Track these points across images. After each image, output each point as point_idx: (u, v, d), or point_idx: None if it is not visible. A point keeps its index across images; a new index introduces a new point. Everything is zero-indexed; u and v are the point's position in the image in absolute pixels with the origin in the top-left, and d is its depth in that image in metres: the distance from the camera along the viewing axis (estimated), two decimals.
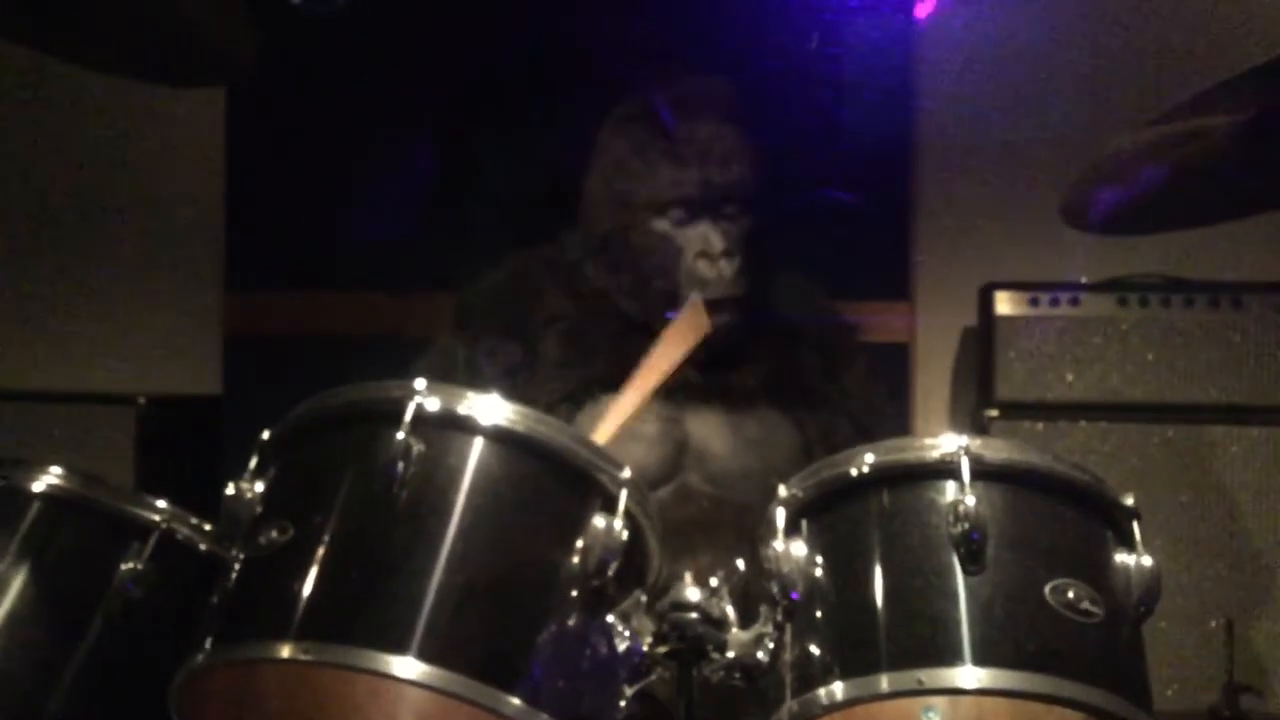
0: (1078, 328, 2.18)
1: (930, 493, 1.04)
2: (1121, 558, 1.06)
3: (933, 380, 2.50)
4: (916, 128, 2.46)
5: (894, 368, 2.41)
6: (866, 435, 1.76)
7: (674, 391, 1.70)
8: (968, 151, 2.48)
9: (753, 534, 1.62)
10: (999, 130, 2.45)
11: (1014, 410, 2.16)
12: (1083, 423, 2.14)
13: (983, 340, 2.23)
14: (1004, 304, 2.20)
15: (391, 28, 2.32)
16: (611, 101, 1.84)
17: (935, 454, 1.05)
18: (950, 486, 1.04)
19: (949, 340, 2.49)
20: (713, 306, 1.68)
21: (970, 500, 1.01)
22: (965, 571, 1.00)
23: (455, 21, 2.31)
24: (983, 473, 1.03)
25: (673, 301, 1.69)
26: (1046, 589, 0.99)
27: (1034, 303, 2.20)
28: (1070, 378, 2.18)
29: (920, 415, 2.49)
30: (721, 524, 1.64)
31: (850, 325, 1.93)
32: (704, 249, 1.69)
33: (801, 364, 1.79)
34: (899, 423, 2.33)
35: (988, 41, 2.45)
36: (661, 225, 1.71)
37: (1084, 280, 2.21)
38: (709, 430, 1.71)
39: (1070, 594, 1.00)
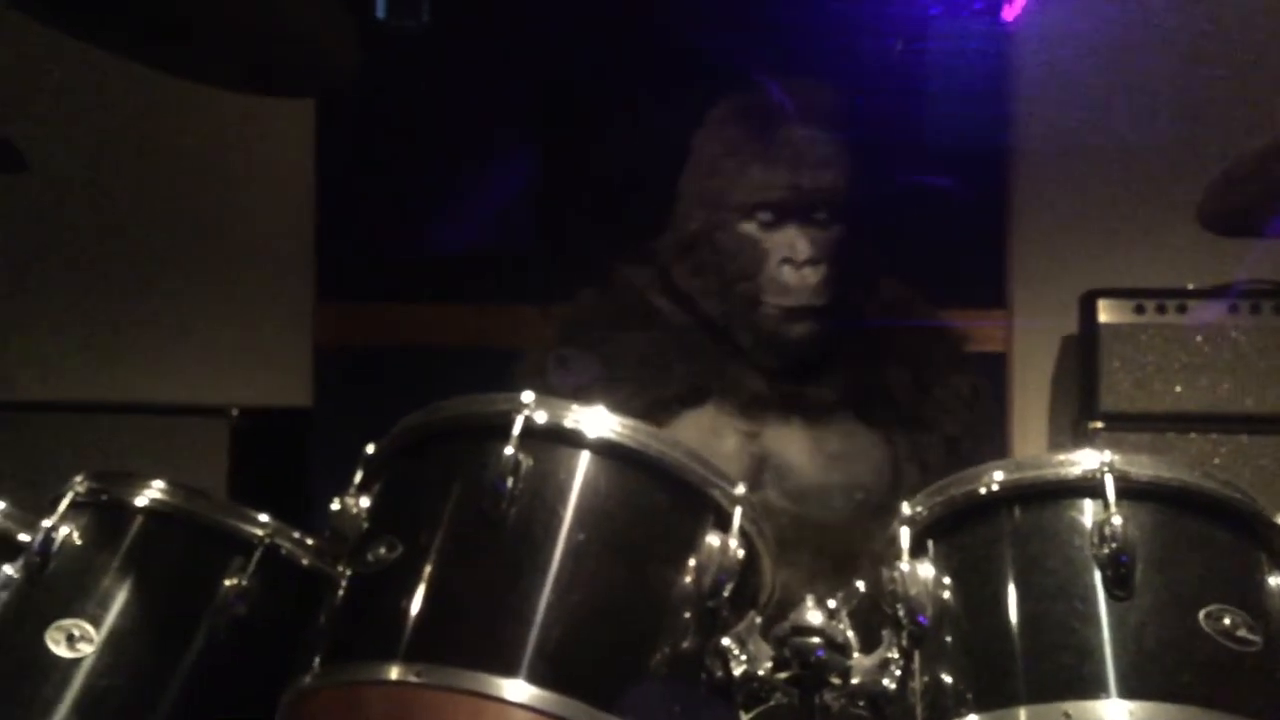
0: (1186, 335, 2.11)
1: (1071, 512, 0.98)
2: (1277, 581, 0.99)
3: (1030, 391, 2.44)
4: (1013, 130, 2.41)
5: (990, 378, 2.35)
6: (960, 452, 1.72)
7: (751, 404, 1.67)
8: (1066, 154, 2.42)
9: (833, 552, 1.59)
10: (1098, 132, 2.39)
11: (1119, 422, 2.09)
12: (1192, 434, 2.07)
13: (1086, 349, 2.17)
14: (1107, 312, 2.14)
15: (482, 38, 2.32)
16: (706, 104, 1.82)
17: (1076, 471, 0.99)
18: (1093, 505, 0.98)
19: (1048, 349, 2.42)
20: (793, 315, 1.65)
21: (1117, 520, 0.95)
22: (1112, 597, 0.93)
23: (547, 30, 2.30)
24: (1128, 491, 0.97)
25: (754, 306, 1.66)
26: (1201, 615, 0.93)
27: (1139, 310, 2.13)
28: (1178, 388, 2.10)
29: (1017, 428, 2.42)
30: (801, 543, 1.59)
31: (946, 334, 1.87)
32: (789, 255, 1.66)
33: (890, 376, 1.74)
34: (996, 436, 2.27)
35: (1085, 42, 2.39)
36: (748, 228, 1.69)
37: (1191, 286, 2.14)
38: (789, 445, 1.67)
39: (1226, 620, 0.93)
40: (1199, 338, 2.11)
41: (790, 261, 1.65)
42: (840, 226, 1.68)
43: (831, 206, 1.68)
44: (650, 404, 1.65)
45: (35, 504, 1.25)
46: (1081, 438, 2.13)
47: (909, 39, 2.33)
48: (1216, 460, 2.05)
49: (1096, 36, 2.38)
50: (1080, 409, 2.18)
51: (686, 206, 1.76)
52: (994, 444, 2.14)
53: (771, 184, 1.67)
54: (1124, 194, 2.41)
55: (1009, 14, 2.43)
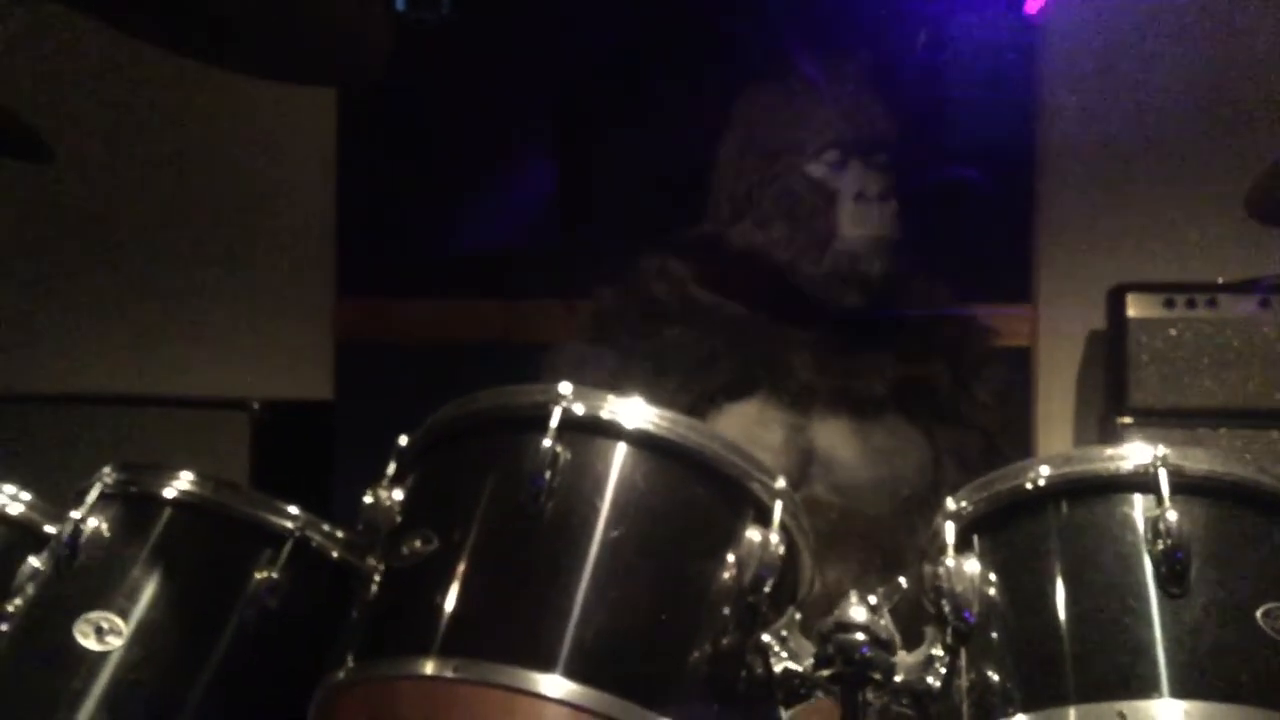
0: (1216, 330, 2.09)
1: (1123, 507, 0.96)
2: None
3: (1056, 386, 2.41)
4: (1039, 124, 2.38)
5: (1015, 373, 2.33)
6: (997, 448, 1.71)
7: (799, 398, 1.66)
8: (1092, 147, 2.39)
9: (881, 546, 1.58)
10: (1124, 125, 2.37)
11: (1149, 417, 2.07)
12: (1223, 430, 2.05)
13: (1115, 344, 2.14)
14: (1136, 306, 2.11)
15: (502, 32, 2.30)
16: (729, 97, 1.81)
17: (1128, 465, 0.97)
18: (1144, 500, 0.95)
19: (1073, 344, 2.40)
20: (872, 247, 1.66)
21: (1172, 516, 0.93)
22: (1166, 594, 0.91)
23: (568, 24, 2.29)
24: (1182, 485, 0.95)
25: (828, 243, 1.66)
26: (1258, 614, 0.90)
27: (1169, 305, 2.11)
28: (1208, 383, 2.08)
29: (1042, 424, 2.40)
30: (850, 536, 1.59)
31: (981, 329, 1.87)
32: (861, 190, 1.68)
33: (931, 371, 1.73)
34: (1022, 432, 2.25)
35: (1111, 34, 2.37)
36: (815, 170, 1.70)
37: (1221, 280, 2.11)
38: (836, 439, 1.66)
39: None
40: (1229, 332, 2.09)
41: (863, 197, 1.69)
42: (894, 171, 1.69)
43: (888, 149, 1.72)
44: (696, 398, 1.65)
45: (58, 496, 1.24)
46: (1109, 434, 2.11)
47: (933, 34, 2.31)
48: (1247, 456, 2.03)
49: (1122, 29, 2.36)
50: (1109, 404, 2.16)
51: (735, 169, 1.77)
52: (1022, 435, 2.13)
53: (837, 121, 1.71)
54: (1151, 187, 2.39)
55: (1031, 6, 2.41)
